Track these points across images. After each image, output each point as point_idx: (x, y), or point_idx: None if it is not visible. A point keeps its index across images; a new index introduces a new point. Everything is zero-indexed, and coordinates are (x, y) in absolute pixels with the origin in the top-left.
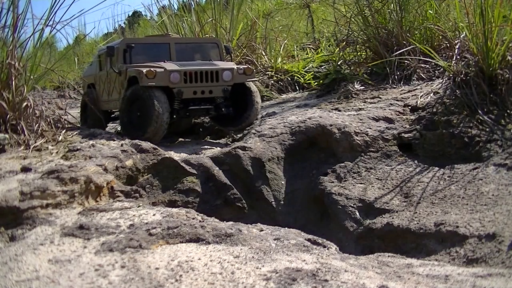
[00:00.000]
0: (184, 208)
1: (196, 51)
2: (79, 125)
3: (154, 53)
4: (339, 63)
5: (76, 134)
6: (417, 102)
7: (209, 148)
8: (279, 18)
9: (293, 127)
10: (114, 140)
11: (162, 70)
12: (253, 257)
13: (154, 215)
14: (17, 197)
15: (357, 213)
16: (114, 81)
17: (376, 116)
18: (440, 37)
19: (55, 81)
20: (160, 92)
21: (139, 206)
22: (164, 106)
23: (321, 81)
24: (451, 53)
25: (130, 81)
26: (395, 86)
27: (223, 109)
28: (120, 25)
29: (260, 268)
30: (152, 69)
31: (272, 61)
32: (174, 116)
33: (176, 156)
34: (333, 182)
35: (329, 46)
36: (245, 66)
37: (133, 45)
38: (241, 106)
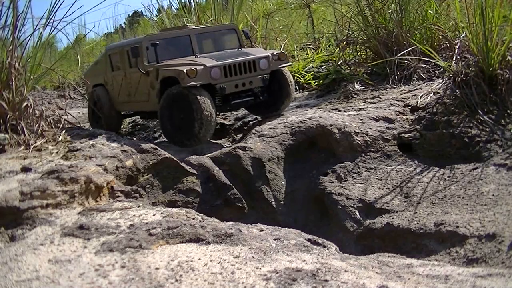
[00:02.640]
0: (184, 208)
1: (215, 39)
2: (78, 125)
3: (176, 47)
4: (339, 63)
5: (76, 134)
6: (417, 102)
7: (209, 148)
8: (279, 18)
9: (293, 127)
10: (114, 140)
11: (202, 67)
12: (253, 257)
13: (154, 215)
14: (17, 197)
15: (357, 213)
16: (138, 82)
17: (376, 116)
18: (440, 37)
19: (55, 81)
20: (203, 91)
21: (139, 206)
22: (211, 106)
23: (321, 81)
24: (451, 53)
25: (164, 82)
26: (395, 86)
27: (261, 97)
28: (120, 25)
29: (260, 268)
30: (192, 67)
31: None
32: (218, 114)
33: (176, 156)
34: (333, 182)
35: (329, 46)
36: (279, 52)
37: (157, 42)
38: (275, 91)
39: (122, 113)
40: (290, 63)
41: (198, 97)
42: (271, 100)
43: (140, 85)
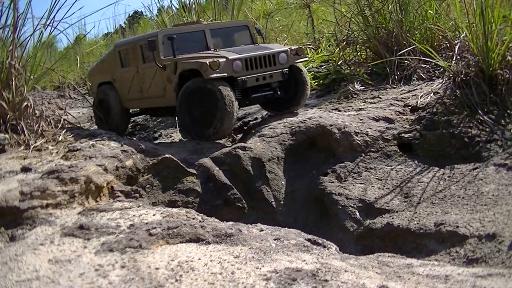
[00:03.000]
0: (184, 208)
1: (228, 35)
2: (78, 125)
3: (191, 42)
4: (339, 63)
5: (76, 134)
6: (417, 102)
7: (209, 148)
8: (279, 18)
9: (293, 127)
10: (114, 140)
11: (224, 59)
12: (253, 257)
13: (154, 215)
14: (17, 197)
15: (357, 213)
16: (153, 77)
17: (376, 116)
18: (440, 37)
19: (55, 81)
20: (225, 83)
21: (139, 206)
22: (233, 98)
23: (321, 81)
24: (451, 53)
25: (182, 76)
26: (395, 86)
27: (278, 92)
28: (120, 25)
29: (260, 268)
30: (215, 59)
31: None
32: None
33: (176, 156)
34: (333, 182)
35: (329, 46)
36: (297, 47)
37: (174, 36)
38: (291, 88)
39: (130, 111)
40: (307, 58)
41: (221, 89)
42: (286, 97)
43: (155, 79)
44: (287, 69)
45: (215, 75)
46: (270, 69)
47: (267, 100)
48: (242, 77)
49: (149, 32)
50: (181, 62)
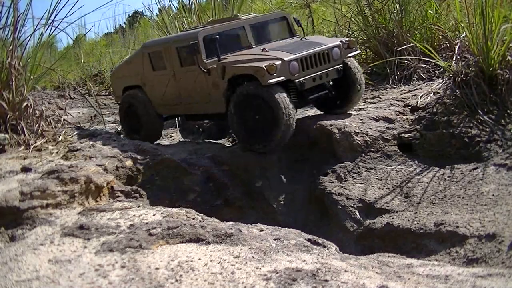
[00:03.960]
0: (184, 208)
1: (267, 29)
2: (78, 125)
3: (231, 40)
4: None
5: (76, 134)
6: (417, 102)
7: (209, 148)
8: None
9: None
10: (114, 140)
11: (280, 61)
12: (253, 257)
13: (154, 215)
14: (17, 197)
15: (357, 213)
16: (195, 81)
17: (376, 116)
18: (440, 37)
19: (55, 81)
20: (281, 89)
21: (139, 206)
22: (290, 106)
23: None
24: (451, 53)
25: (232, 80)
26: (395, 86)
27: (332, 92)
28: (120, 25)
29: (260, 268)
30: (271, 62)
31: None
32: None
33: (176, 156)
34: (333, 182)
35: None
36: (348, 39)
37: (217, 36)
38: (342, 85)
39: (163, 116)
40: (358, 51)
41: (277, 96)
42: (338, 96)
43: (198, 84)
44: (341, 65)
45: (273, 80)
46: (325, 67)
47: (319, 101)
48: (300, 79)
49: (185, 32)
50: (230, 66)
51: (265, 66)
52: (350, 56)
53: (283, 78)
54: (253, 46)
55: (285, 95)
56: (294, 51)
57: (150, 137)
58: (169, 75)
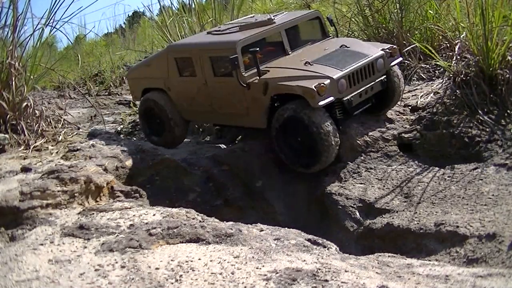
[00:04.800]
0: (184, 208)
1: (300, 30)
2: (78, 126)
3: (267, 48)
4: None
5: (76, 134)
6: (417, 102)
7: (209, 148)
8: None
9: None
10: (114, 140)
11: (329, 80)
12: (253, 257)
13: (154, 215)
14: (17, 197)
15: (357, 213)
16: (232, 94)
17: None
18: (440, 37)
19: (55, 81)
20: (324, 110)
21: (139, 206)
22: (334, 128)
23: None
24: (451, 53)
25: (274, 97)
26: None
27: (373, 100)
28: (120, 25)
29: (260, 268)
30: (321, 82)
31: None
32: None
33: (176, 156)
34: (333, 182)
35: None
36: (390, 46)
37: (257, 49)
38: (383, 94)
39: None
40: (401, 58)
41: (321, 120)
42: (376, 104)
43: (234, 97)
44: (385, 76)
45: (323, 102)
46: (370, 80)
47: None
48: (347, 97)
49: (218, 39)
50: (274, 83)
51: (315, 87)
52: (393, 65)
53: (332, 99)
54: (289, 52)
55: (329, 120)
56: (341, 65)
57: (174, 142)
58: (199, 83)
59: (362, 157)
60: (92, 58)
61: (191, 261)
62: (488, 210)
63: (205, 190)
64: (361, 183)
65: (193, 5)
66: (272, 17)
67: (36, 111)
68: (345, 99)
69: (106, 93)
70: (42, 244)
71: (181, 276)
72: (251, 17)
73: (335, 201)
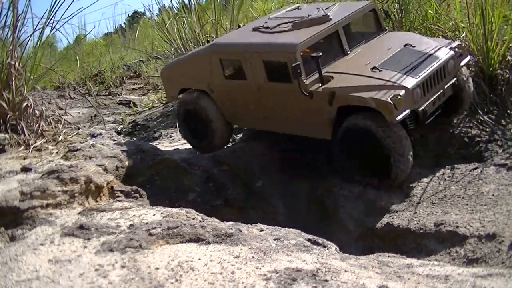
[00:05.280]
0: (184, 208)
1: (355, 25)
2: (78, 126)
3: (327, 49)
4: None
5: (76, 134)
6: None
7: None
8: None
9: None
10: (114, 140)
11: (404, 90)
12: (253, 257)
13: (154, 215)
14: (17, 197)
15: (357, 213)
16: (289, 101)
17: None
18: (440, 37)
19: (55, 81)
20: (399, 125)
21: (139, 206)
22: (409, 142)
23: None
24: None
25: (342, 107)
26: None
27: (443, 105)
28: (120, 25)
29: (260, 268)
30: (397, 95)
31: None
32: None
33: (176, 156)
34: (333, 181)
35: None
36: (458, 44)
37: (320, 54)
38: (451, 99)
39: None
40: (470, 57)
41: (398, 138)
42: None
43: (293, 106)
44: (456, 79)
45: (400, 116)
46: (442, 85)
47: None
48: (422, 107)
49: (272, 41)
50: (343, 94)
51: (391, 100)
52: (462, 66)
53: (409, 112)
54: (348, 52)
55: (405, 134)
56: (413, 71)
57: (218, 146)
58: (250, 87)
59: None
60: (92, 58)
61: (191, 261)
62: (488, 210)
63: (205, 190)
64: (361, 183)
65: (193, 5)
66: (327, 13)
67: (36, 111)
68: (420, 109)
69: (106, 93)
70: (42, 244)
71: (181, 276)
72: (297, 8)
73: (335, 201)
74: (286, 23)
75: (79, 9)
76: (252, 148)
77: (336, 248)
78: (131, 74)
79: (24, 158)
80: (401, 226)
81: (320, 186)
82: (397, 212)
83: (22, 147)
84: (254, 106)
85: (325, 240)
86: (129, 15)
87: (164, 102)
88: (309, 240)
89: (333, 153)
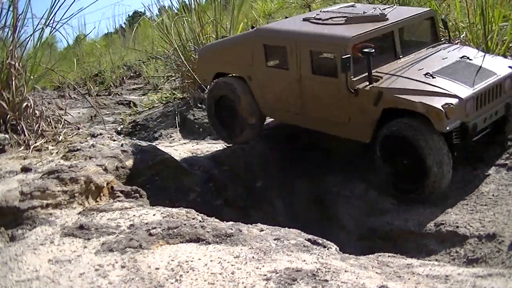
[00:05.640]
0: (184, 208)
1: (410, 31)
2: (78, 126)
3: (379, 50)
4: None
5: (76, 134)
6: None
7: (209, 148)
8: (280, 18)
9: (294, 127)
10: (114, 140)
11: (457, 100)
12: (253, 257)
13: (154, 215)
14: (17, 197)
15: (357, 213)
16: (331, 96)
17: None
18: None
19: (55, 81)
20: (440, 135)
21: (139, 206)
22: (449, 154)
23: None
24: None
25: (386, 111)
26: None
27: (492, 125)
28: (120, 25)
29: (260, 268)
30: (449, 103)
31: None
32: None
33: (176, 156)
34: (334, 181)
35: None
36: None
37: (372, 51)
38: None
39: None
40: None
41: (438, 149)
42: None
43: (335, 102)
44: (510, 98)
45: (450, 126)
46: (496, 103)
47: None
48: (473, 121)
49: (322, 32)
50: (391, 95)
51: (443, 108)
52: None
53: (459, 123)
54: (400, 56)
55: (444, 145)
56: (469, 82)
57: (247, 138)
58: (291, 78)
59: (362, 157)
60: (92, 58)
61: (191, 261)
62: (488, 210)
63: (205, 190)
64: (362, 183)
65: (193, 5)
66: (384, 12)
67: (36, 111)
68: (470, 124)
69: (106, 93)
70: (42, 244)
71: (181, 276)
72: (351, 5)
73: (335, 201)
74: (340, 17)
75: (79, 9)
76: (252, 148)
77: (336, 248)
78: (131, 74)
79: (24, 158)
80: (401, 226)
81: (320, 186)
82: (397, 212)
83: (22, 147)
84: (294, 99)
85: (325, 240)
86: (129, 15)
87: (164, 102)
88: (309, 240)
89: (371, 158)
